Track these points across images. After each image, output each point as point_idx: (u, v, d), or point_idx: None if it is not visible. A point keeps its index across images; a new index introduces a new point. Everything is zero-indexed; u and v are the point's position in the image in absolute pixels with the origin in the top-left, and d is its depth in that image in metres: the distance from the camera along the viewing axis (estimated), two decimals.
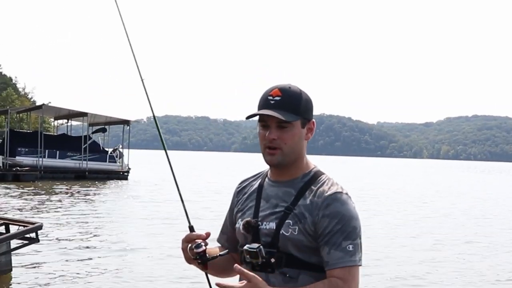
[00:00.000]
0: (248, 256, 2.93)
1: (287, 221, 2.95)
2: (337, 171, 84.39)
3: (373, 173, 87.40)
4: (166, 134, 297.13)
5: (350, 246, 2.89)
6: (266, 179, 3.15)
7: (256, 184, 3.19)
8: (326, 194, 2.95)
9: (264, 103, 3.00)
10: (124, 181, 46.12)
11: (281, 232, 2.94)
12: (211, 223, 21.87)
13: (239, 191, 3.26)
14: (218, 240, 3.32)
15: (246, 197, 3.18)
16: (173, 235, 18.25)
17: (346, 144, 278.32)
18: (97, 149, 49.24)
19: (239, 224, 3.08)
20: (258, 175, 3.26)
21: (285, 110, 2.96)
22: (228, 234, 3.28)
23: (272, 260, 2.93)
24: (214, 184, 47.05)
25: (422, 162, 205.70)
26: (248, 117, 3.09)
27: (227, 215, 3.31)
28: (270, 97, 2.98)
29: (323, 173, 3.09)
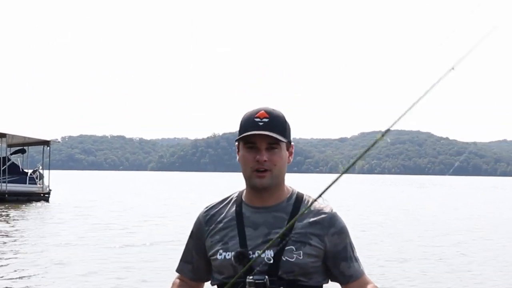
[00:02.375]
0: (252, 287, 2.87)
1: (288, 247, 2.92)
2: None
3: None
4: (81, 154, 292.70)
5: (357, 254, 3.10)
6: (244, 205, 3.08)
7: (229, 211, 3.10)
8: (326, 213, 3.04)
9: (252, 124, 2.95)
10: (45, 203, 44.97)
11: (284, 259, 2.91)
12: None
13: (208, 219, 3.13)
14: (180, 270, 3.23)
15: (222, 226, 3.07)
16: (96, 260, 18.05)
17: None
18: (17, 170, 47.97)
19: (226, 256, 2.99)
20: (226, 201, 3.16)
21: (275, 131, 2.95)
22: (194, 264, 3.18)
23: None
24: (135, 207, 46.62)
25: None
26: (238, 140, 3.01)
27: (190, 244, 3.21)
28: (258, 119, 2.96)
29: (303, 193, 3.14)
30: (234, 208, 3.08)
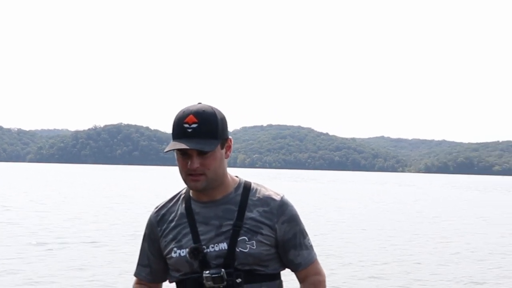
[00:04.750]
0: (210, 282, 2.91)
1: (241, 237, 2.97)
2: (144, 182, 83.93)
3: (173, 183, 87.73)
4: None
5: (309, 241, 3.11)
6: (192, 202, 3.09)
7: (178, 209, 3.12)
8: (276, 201, 3.06)
9: (180, 131, 2.96)
10: None
11: (238, 250, 2.95)
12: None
13: (160, 220, 3.15)
14: (138, 274, 3.24)
15: (174, 224, 3.09)
16: None
17: (144, 153, 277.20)
18: None
19: (180, 253, 3.01)
20: (175, 199, 3.18)
21: (204, 138, 2.93)
22: (152, 266, 3.19)
23: (239, 280, 2.94)
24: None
25: None
26: (166, 152, 2.99)
27: (145, 247, 3.21)
28: (186, 125, 2.94)
29: (250, 182, 3.14)
30: (183, 205, 3.10)
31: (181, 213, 3.08)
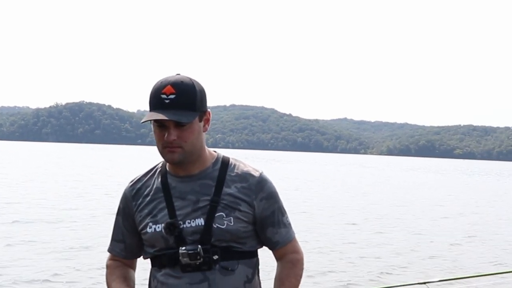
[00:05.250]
0: (186, 258, 2.84)
1: (218, 213, 2.90)
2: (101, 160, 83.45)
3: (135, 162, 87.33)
4: None
5: (287, 219, 3.06)
6: (169, 176, 3.00)
7: (154, 183, 3.03)
8: (255, 177, 3.00)
9: (158, 102, 2.85)
10: None
11: (215, 226, 2.89)
12: None
13: (135, 194, 3.05)
14: (111, 250, 3.14)
15: (150, 199, 3.00)
16: None
17: (106, 132, 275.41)
18: None
19: (156, 228, 2.93)
20: (151, 173, 3.08)
21: (182, 109, 2.84)
22: (126, 241, 3.09)
23: (216, 256, 2.87)
24: None
25: None
26: (143, 122, 2.86)
27: (119, 221, 3.11)
28: (164, 95, 2.84)
29: (229, 157, 3.08)
30: (159, 180, 3.01)
31: (157, 187, 2.99)
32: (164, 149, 2.90)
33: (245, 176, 2.98)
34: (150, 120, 2.85)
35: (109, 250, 3.14)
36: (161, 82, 2.87)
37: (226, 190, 2.94)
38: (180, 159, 2.89)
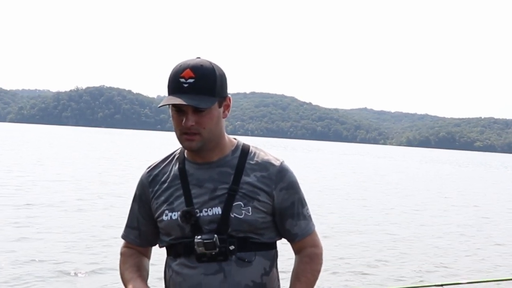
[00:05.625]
0: (202, 248, 2.77)
1: (236, 203, 2.81)
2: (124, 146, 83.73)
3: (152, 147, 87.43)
4: None
5: (308, 211, 2.97)
6: (187, 162, 2.92)
7: (171, 170, 2.94)
8: (275, 166, 2.90)
9: (176, 86, 2.75)
10: None
11: (232, 215, 2.80)
12: None
13: (152, 180, 2.97)
14: (126, 237, 3.06)
15: (166, 186, 2.91)
16: None
17: (126, 117, 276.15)
18: None
19: (172, 216, 2.85)
20: (169, 159, 2.99)
21: (201, 94, 2.74)
22: (141, 229, 3.01)
23: (232, 247, 2.79)
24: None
25: None
26: (160, 106, 2.80)
27: (135, 208, 3.03)
28: (182, 79, 2.74)
29: (249, 145, 2.99)
30: (177, 166, 2.93)
31: (174, 174, 2.91)
32: (182, 136, 2.81)
33: (265, 165, 2.89)
34: (168, 105, 2.78)
35: (123, 237, 3.08)
36: (180, 66, 2.77)
37: (245, 178, 2.85)
38: (198, 146, 2.81)
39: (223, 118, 2.88)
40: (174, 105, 2.78)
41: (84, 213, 19.70)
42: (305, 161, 68.60)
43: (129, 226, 3.06)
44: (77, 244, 14.78)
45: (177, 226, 2.83)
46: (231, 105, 2.90)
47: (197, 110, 2.77)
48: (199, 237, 2.77)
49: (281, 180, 2.88)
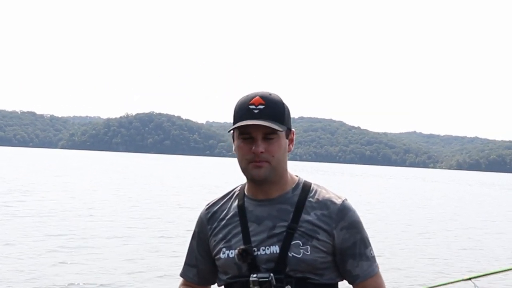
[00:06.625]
0: (257, 287, 2.69)
1: (295, 242, 2.73)
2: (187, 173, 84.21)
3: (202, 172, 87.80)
4: None
5: (371, 252, 2.85)
6: (246, 199, 2.87)
7: (231, 207, 2.90)
8: (336, 204, 2.81)
9: (246, 112, 2.73)
10: None
11: (290, 254, 2.72)
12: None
13: (210, 217, 2.94)
14: (184, 275, 3.04)
15: (225, 223, 2.88)
16: None
17: (175, 142, 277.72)
18: None
19: (229, 254, 2.81)
20: (228, 196, 2.96)
21: (271, 120, 2.72)
22: (199, 266, 2.98)
23: (288, 287, 2.71)
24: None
25: None
26: (230, 130, 2.78)
27: (193, 245, 3.01)
28: (252, 106, 2.73)
29: (311, 182, 2.90)
30: (236, 203, 2.89)
31: (233, 211, 2.87)
32: (249, 164, 2.75)
33: (326, 203, 2.80)
34: (234, 132, 2.79)
35: (181, 275, 3.05)
36: (247, 96, 2.78)
37: (304, 216, 2.77)
38: (266, 175, 2.75)
39: (288, 151, 2.84)
40: (242, 133, 2.75)
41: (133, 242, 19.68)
42: (350, 185, 68.44)
43: (187, 263, 3.02)
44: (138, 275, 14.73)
45: (234, 265, 2.78)
46: (294, 139, 2.86)
47: (266, 138, 2.72)
48: (254, 275, 2.71)
49: (342, 219, 2.79)
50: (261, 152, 2.71)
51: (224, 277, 2.85)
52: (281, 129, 2.71)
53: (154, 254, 17.45)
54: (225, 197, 2.95)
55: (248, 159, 2.74)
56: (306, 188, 2.85)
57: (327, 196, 2.82)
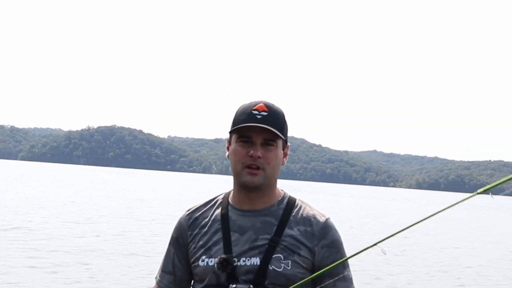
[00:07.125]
0: None
1: (276, 255, 2.73)
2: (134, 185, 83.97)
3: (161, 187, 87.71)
4: None
5: (349, 273, 2.83)
6: (230, 208, 2.85)
7: (213, 215, 2.88)
8: (320, 222, 2.82)
9: (249, 117, 2.75)
10: None
11: (271, 268, 2.71)
12: None
13: (191, 223, 2.91)
14: (160, 282, 2.97)
15: (206, 230, 2.85)
16: None
17: (137, 156, 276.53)
18: None
19: (209, 262, 2.79)
20: (211, 204, 2.94)
21: (273, 127, 2.76)
22: (177, 274, 2.93)
23: None
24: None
25: (211, 177, 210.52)
26: (232, 131, 2.79)
27: (170, 251, 2.97)
28: (256, 112, 2.75)
29: (296, 198, 2.93)
30: (219, 211, 2.87)
31: (215, 219, 2.85)
32: (244, 169, 2.76)
33: (310, 220, 2.81)
34: (232, 133, 2.80)
35: (157, 282, 2.98)
36: (250, 102, 2.80)
37: (288, 231, 2.76)
38: (260, 182, 2.76)
39: (281, 164, 2.85)
40: (240, 136, 2.76)
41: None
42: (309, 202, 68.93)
43: (163, 270, 2.97)
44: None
45: (212, 273, 2.75)
46: (288, 153, 2.90)
47: (265, 144, 2.76)
48: (234, 286, 2.70)
49: (324, 237, 2.79)
50: (259, 157, 2.74)
51: (199, 286, 2.83)
52: (282, 137, 2.78)
53: (107, 267, 17.22)
54: (208, 204, 2.94)
55: (244, 162, 2.75)
56: (291, 203, 2.86)
57: (311, 212, 2.84)
